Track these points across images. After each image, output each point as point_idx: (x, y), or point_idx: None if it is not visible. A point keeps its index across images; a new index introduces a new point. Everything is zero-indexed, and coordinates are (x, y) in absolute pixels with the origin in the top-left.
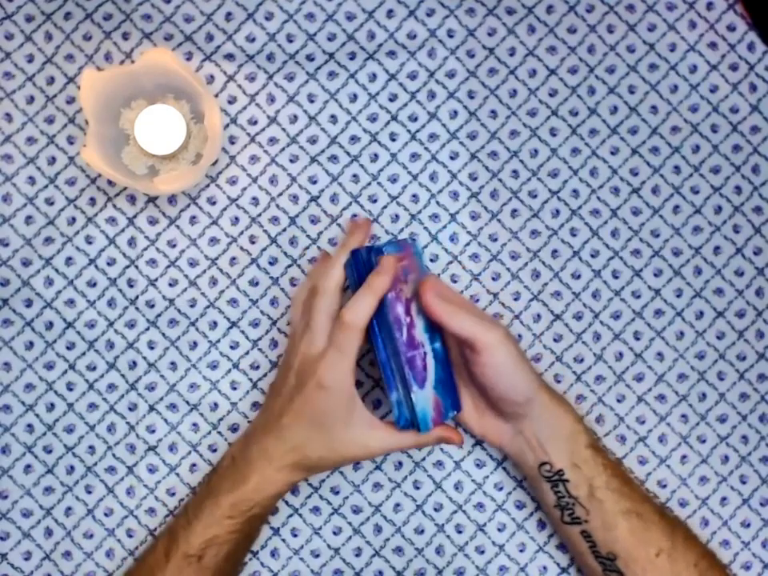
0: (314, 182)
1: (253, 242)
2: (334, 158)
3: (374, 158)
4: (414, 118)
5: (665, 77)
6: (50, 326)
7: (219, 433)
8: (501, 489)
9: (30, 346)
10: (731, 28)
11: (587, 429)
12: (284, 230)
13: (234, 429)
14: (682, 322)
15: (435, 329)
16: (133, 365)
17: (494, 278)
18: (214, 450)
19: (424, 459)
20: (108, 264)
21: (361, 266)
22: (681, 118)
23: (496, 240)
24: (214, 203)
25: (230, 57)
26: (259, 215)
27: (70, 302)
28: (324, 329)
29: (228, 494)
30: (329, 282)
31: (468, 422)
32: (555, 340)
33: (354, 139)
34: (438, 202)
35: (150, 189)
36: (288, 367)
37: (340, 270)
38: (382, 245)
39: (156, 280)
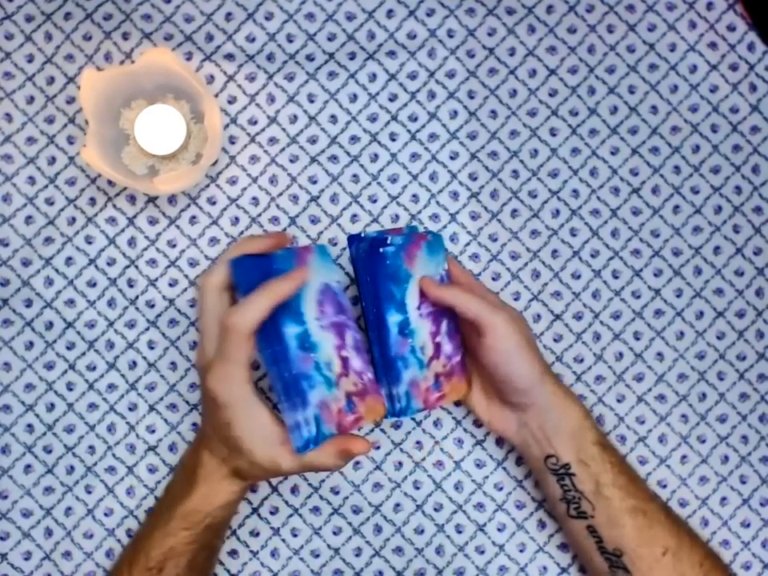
0: (314, 182)
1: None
2: (333, 158)
3: (374, 158)
4: (414, 118)
5: (665, 77)
6: (49, 325)
7: None
8: (501, 489)
9: (29, 346)
10: (731, 28)
11: (595, 425)
12: (284, 230)
13: None
14: (682, 322)
15: (438, 315)
16: (133, 365)
17: (494, 278)
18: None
19: (424, 459)
20: (108, 264)
21: (247, 273)
22: (681, 118)
23: (496, 240)
24: (214, 203)
25: (229, 57)
26: (259, 215)
27: (70, 302)
28: (212, 337)
29: (180, 503)
30: (210, 279)
31: (475, 407)
32: (555, 340)
33: (353, 139)
34: (437, 202)
35: (150, 189)
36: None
37: (224, 267)
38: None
39: (156, 280)
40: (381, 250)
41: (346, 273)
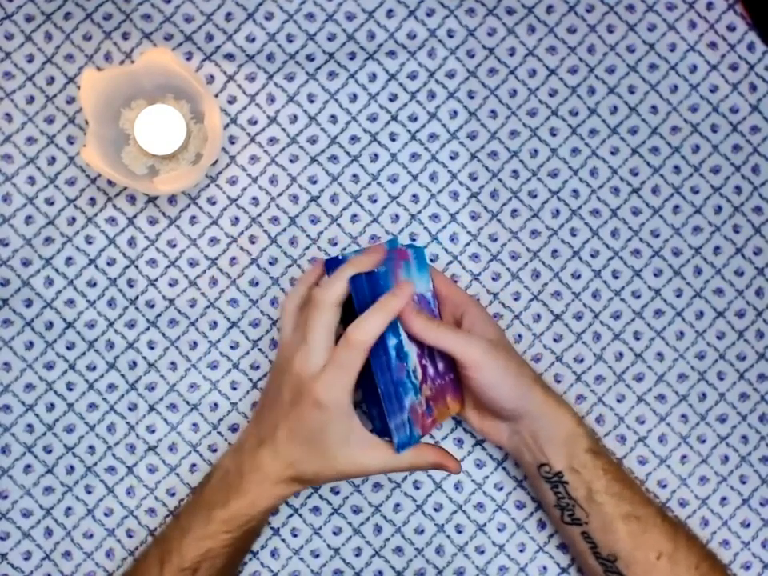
0: (314, 182)
1: (253, 242)
2: (333, 158)
3: (374, 158)
4: (414, 118)
5: (665, 77)
6: (49, 325)
7: (219, 433)
8: (501, 489)
9: (29, 345)
10: (731, 28)
11: (587, 432)
12: (284, 229)
13: (233, 429)
14: (682, 322)
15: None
16: (133, 365)
17: (494, 278)
18: (214, 450)
19: None
20: (108, 264)
21: (363, 290)
22: (681, 118)
23: (496, 240)
24: (214, 203)
25: (229, 57)
26: (259, 215)
27: (70, 302)
28: (322, 345)
29: (222, 507)
30: (330, 295)
31: (469, 419)
32: (555, 340)
33: (353, 139)
34: (438, 202)
35: (149, 189)
36: (281, 380)
37: (344, 284)
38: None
39: (156, 280)
40: (375, 271)
41: None
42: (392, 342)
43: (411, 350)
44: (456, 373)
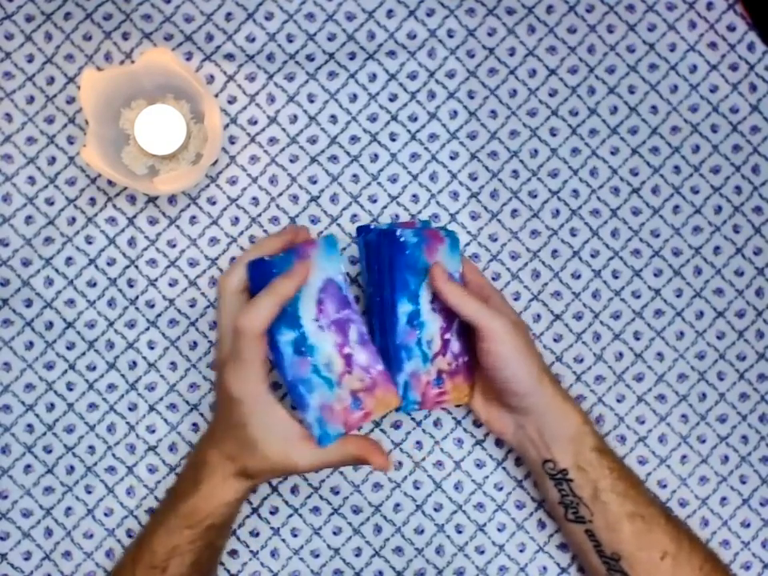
0: (314, 182)
1: (253, 242)
2: (333, 158)
3: (374, 158)
4: (414, 118)
5: (665, 77)
6: (49, 325)
7: None
8: (501, 489)
9: (29, 345)
10: (731, 28)
11: (594, 430)
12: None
13: None
14: (682, 322)
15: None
16: (133, 365)
17: (494, 278)
18: None
19: (424, 459)
20: (108, 264)
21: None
22: (681, 118)
23: (496, 240)
24: (214, 203)
25: (229, 57)
26: (259, 215)
27: (70, 302)
28: (229, 334)
29: (183, 502)
30: (230, 283)
31: (475, 406)
32: (555, 340)
33: (353, 139)
34: (438, 202)
35: (149, 189)
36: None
37: (242, 269)
38: (400, 228)
39: (156, 280)
40: (402, 239)
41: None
42: (405, 308)
43: (433, 321)
44: (470, 360)
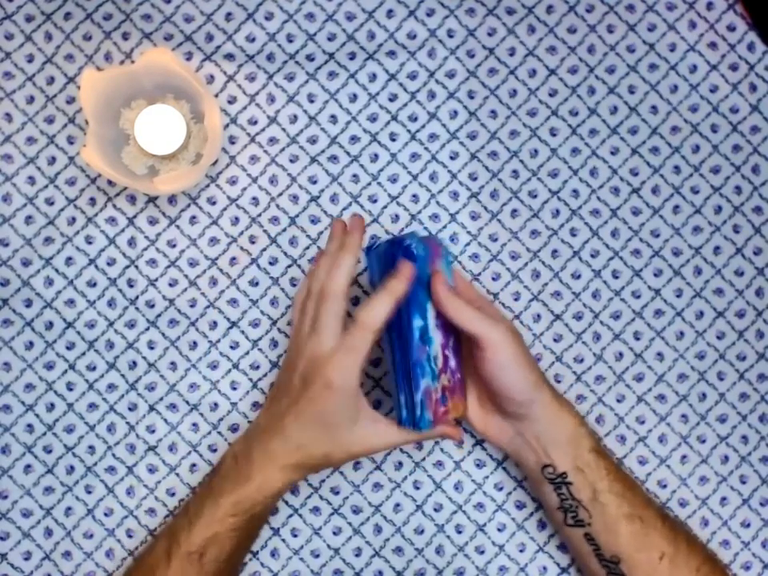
0: (314, 182)
1: (253, 242)
2: (333, 158)
3: (374, 158)
4: (414, 118)
5: (665, 77)
6: (49, 325)
7: (219, 433)
8: (501, 489)
9: (29, 345)
10: (731, 28)
11: (590, 432)
12: (284, 229)
13: (233, 429)
14: (682, 322)
15: (447, 327)
16: (133, 365)
17: (494, 278)
18: (214, 450)
19: (424, 459)
20: (108, 264)
21: (384, 260)
22: (681, 118)
23: (496, 240)
24: (214, 203)
25: (229, 57)
26: (259, 215)
27: (70, 302)
28: (332, 331)
29: (230, 493)
30: (336, 284)
31: (471, 418)
32: (555, 340)
33: (353, 139)
34: (438, 202)
35: (150, 189)
36: (292, 369)
37: (347, 272)
38: (408, 238)
39: (156, 280)
40: (414, 252)
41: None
42: (418, 323)
43: (436, 337)
44: (463, 377)
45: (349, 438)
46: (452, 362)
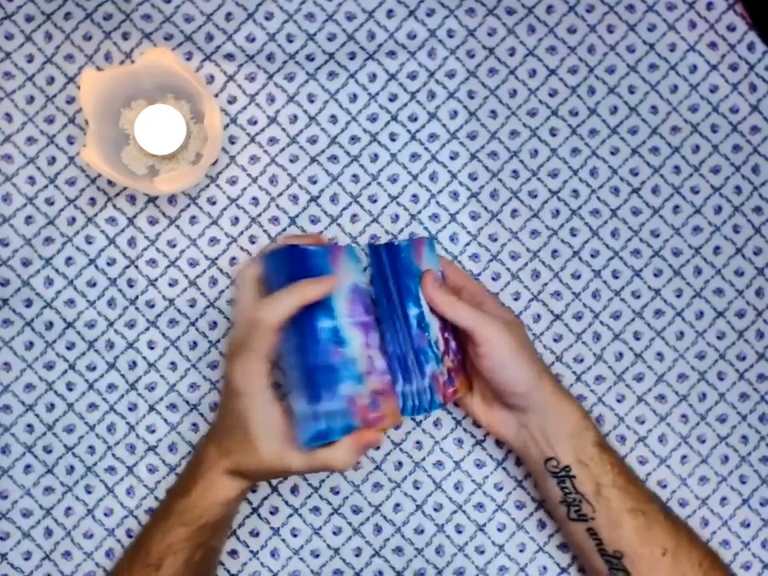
0: (314, 182)
1: (253, 242)
2: (333, 158)
3: (374, 158)
4: (414, 118)
5: (665, 77)
6: (49, 326)
7: None
8: (501, 489)
9: (29, 345)
10: (731, 28)
11: (594, 426)
12: (284, 229)
13: None
14: (682, 322)
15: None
16: (133, 365)
17: (494, 278)
18: None
19: (424, 459)
20: (108, 264)
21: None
22: (681, 118)
23: (496, 240)
24: (214, 203)
25: (229, 57)
26: (259, 215)
27: (70, 302)
28: (243, 326)
29: (179, 499)
30: (249, 274)
31: (474, 411)
32: (555, 340)
33: (353, 139)
34: (438, 202)
35: (150, 189)
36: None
37: (258, 260)
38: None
39: (156, 280)
40: (396, 243)
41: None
42: (413, 311)
43: (433, 322)
44: (463, 355)
45: (265, 452)
46: (452, 344)
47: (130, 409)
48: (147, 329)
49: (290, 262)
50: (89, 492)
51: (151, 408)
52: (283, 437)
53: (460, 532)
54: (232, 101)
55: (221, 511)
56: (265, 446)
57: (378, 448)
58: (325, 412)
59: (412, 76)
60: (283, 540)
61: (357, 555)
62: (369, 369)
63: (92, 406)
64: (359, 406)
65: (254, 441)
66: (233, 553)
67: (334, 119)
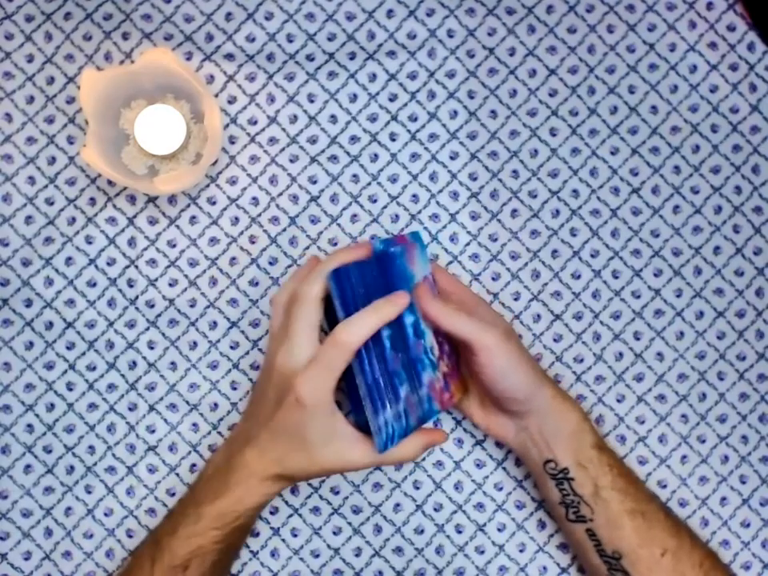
0: (314, 182)
1: (253, 242)
2: (333, 158)
3: (374, 158)
4: (414, 118)
5: (665, 77)
6: (49, 326)
7: (219, 433)
8: (501, 489)
9: (29, 345)
10: (731, 28)
11: (593, 428)
12: (284, 229)
13: (233, 429)
14: (682, 322)
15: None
16: (133, 365)
17: (493, 278)
18: (214, 450)
19: (424, 459)
20: (108, 264)
21: (361, 277)
22: (681, 118)
23: (496, 240)
24: (214, 203)
25: (229, 57)
26: (259, 215)
27: (70, 302)
28: (304, 341)
29: (212, 503)
30: (310, 289)
31: (473, 414)
32: (555, 340)
33: (353, 139)
34: (438, 202)
35: (150, 189)
36: (267, 378)
37: (323, 278)
38: (384, 248)
39: (156, 280)
40: (391, 250)
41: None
42: (409, 319)
43: (428, 328)
44: (457, 358)
45: (325, 455)
46: (446, 347)
47: (130, 409)
48: (147, 329)
49: (377, 273)
50: (89, 492)
51: (151, 408)
52: (345, 440)
53: (460, 532)
54: (232, 101)
55: (254, 514)
56: (327, 451)
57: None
58: (418, 400)
59: (412, 76)
60: (283, 540)
61: (357, 555)
62: (440, 354)
63: (92, 406)
64: (437, 389)
65: (315, 448)
66: None
67: (333, 119)
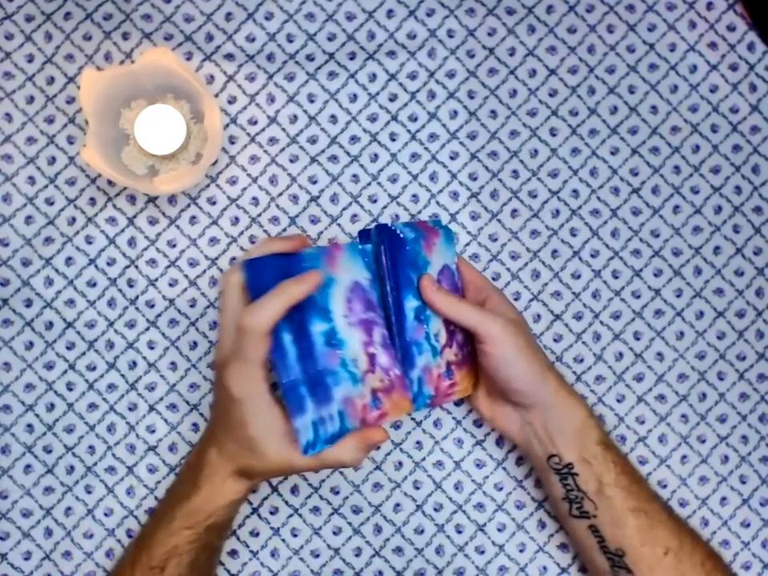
0: (314, 182)
1: (253, 242)
2: (333, 158)
3: (374, 158)
4: (414, 118)
5: (665, 77)
6: (49, 326)
7: None
8: (501, 489)
9: (29, 345)
10: (731, 28)
11: (598, 424)
12: (284, 229)
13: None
14: (682, 322)
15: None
16: (133, 365)
17: (494, 278)
18: None
19: (424, 459)
20: (108, 264)
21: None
22: (681, 118)
23: (496, 240)
24: (214, 203)
25: (229, 57)
26: (259, 215)
27: (70, 302)
28: (230, 332)
29: (182, 503)
30: (231, 278)
31: (479, 405)
32: (555, 340)
33: (353, 139)
34: (437, 202)
35: (150, 189)
36: (216, 374)
37: (240, 268)
38: (394, 224)
39: (156, 280)
40: (401, 235)
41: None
42: (411, 304)
43: (436, 315)
44: (472, 349)
45: (270, 454)
46: (458, 336)
47: (130, 409)
48: (147, 329)
49: (276, 271)
50: (89, 492)
51: (151, 408)
52: (287, 438)
53: (460, 532)
54: (232, 101)
55: (227, 512)
56: (270, 448)
57: (378, 448)
58: (327, 415)
59: (412, 76)
60: (283, 540)
61: (357, 555)
62: (369, 367)
63: (92, 406)
64: (358, 406)
65: (258, 444)
66: (233, 553)
67: (333, 119)
